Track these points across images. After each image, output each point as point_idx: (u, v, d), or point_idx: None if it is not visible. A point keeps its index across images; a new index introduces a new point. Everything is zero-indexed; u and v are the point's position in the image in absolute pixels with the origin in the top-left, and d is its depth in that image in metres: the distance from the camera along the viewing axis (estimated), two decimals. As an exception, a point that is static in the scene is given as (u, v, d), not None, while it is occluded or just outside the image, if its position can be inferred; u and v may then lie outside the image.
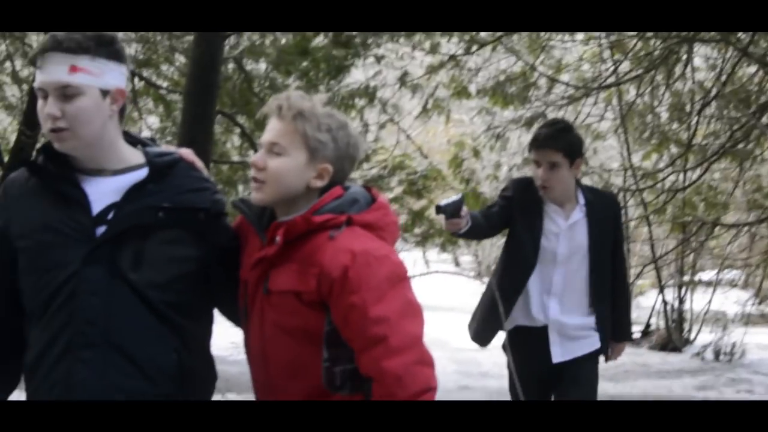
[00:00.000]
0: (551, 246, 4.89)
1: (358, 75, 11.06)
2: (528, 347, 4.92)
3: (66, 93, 2.53)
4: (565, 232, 4.90)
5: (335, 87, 10.17)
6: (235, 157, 11.83)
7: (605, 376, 11.89)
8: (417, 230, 11.77)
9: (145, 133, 11.93)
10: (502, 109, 11.75)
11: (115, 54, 2.62)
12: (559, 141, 4.75)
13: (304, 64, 9.89)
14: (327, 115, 2.73)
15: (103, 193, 2.63)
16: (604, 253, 4.95)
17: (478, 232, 4.84)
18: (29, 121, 9.45)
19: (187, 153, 2.84)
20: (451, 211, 4.45)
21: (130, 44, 12.06)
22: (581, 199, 4.94)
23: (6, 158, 10.24)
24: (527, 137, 11.68)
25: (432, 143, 17.81)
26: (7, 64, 13.50)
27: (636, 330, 15.71)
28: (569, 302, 4.92)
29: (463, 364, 12.40)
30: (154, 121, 12.22)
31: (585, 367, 4.96)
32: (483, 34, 10.54)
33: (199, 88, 6.73)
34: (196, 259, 2.69)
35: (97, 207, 2.62)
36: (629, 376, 12.35)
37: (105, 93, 2.59)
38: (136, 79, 11.78)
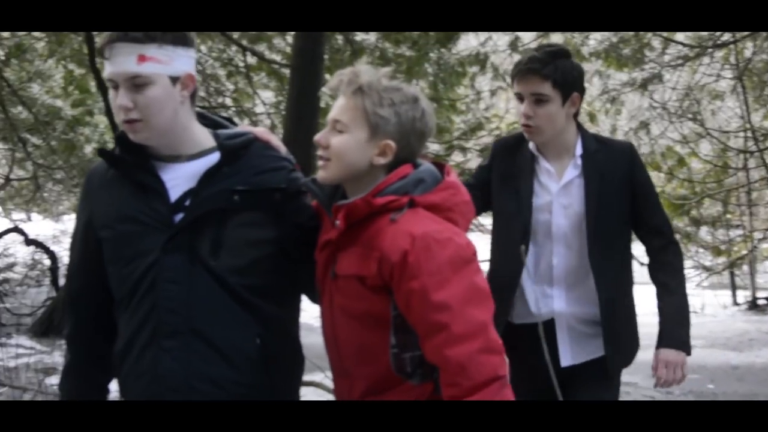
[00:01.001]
0: (544, 217, 3.76)
1: (468, 42, 10.96)
2: (525, 352, 3.75)
3: (136, 83, 2.52)
4: (558, 197, 3.75)
5: (446, 55, 10.08)
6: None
7: (728, 345, 11.66)
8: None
9: (259, 109, 12.09)
10: (616, 72, 11.49)
11: (182, 39, 2.60)
12: (548, 67, 3.60)
13: (415, 33, 9.82)
14: (391, 89, 2.63)
15: (180, 179, 2.63)
16: (610, 223, 3.72)
17: None
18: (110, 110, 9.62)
19: (262, 132, 2.81)
20: None
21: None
22: (578, 150, 3.75)
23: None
24: (643, 100, 11.50)
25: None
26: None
27: (762, 297, 15.32)
28: (578, 289, 3.77)
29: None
30: (268, 95, 12.31)
31: (596, 376, 3.77)
32: (596, -5, 10.34)
33: (304, 63, 6.71)
34: (275, 240, 2.66)
35: (174, 194, 2.62)
36: (754, 345, 12.05)
37: (175, 80, 2.58)
38: (248, 54, 11.92)
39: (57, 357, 8.92)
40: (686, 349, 3.67)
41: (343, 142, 2.61)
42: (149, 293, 2.59)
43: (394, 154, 2.65)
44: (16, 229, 11.42)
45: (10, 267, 11.50)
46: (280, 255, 2.68)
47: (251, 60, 12.20)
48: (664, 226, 3.85)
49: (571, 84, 3.64)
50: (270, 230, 2.65)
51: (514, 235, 3.73)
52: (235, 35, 11.72)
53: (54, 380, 7.99)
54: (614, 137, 3.85)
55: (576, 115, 3.78)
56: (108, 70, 2.54)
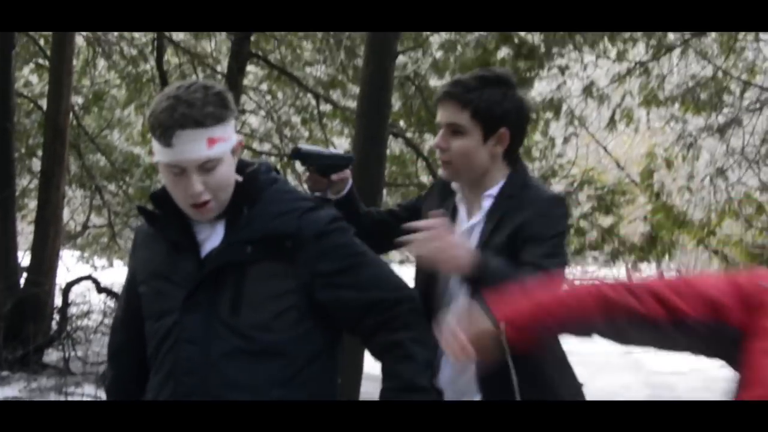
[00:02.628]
0: None
1: (541, 87, 10.89)
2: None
3: (207, 167, 2.45)
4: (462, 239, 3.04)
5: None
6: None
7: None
8: (607, 248, 11.41)
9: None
10: (693, 116, 11.30)
11: (232, 111, 2.54)
12: (470, 93, 2.94)
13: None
14: None
15: (214, 236, 2.58)
16: None
17: (362, 227, 2.96)
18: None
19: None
20: (320, 165, 3.14)
21: (317, 66, 12.31)
22: (495, 189, 3.00)
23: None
24: (721, 146, 11.28)
25: (623, 155, 17.36)
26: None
27: None
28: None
29: (656, 389, 11.87)
30: (342, 142, 12.38)
31: None
32: (671, 37, 10.23)
33: (370, 109, 6.67)
34: (296, 291, 2.52)
35: (205, 252, 2.57)
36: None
37: (234, 150, 2.54)
38: (322, 101, 11.99)
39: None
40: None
41: None
42: (170, 353, 2.54)
43: None
44: (89, 278, 11.51)
45: (85, 315, 11.60)
46: (304, 304, 2.54)
47: (325, 107, 12.27)
48: (537, 258, 2.84)
49: (498, 117, 2.93)
50: (289, 280, 2.51)
51: (420, 285, 3.11)
52: (311, 83, 11.81)
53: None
54: (554, 190, 2.98)
55: (509, 154, 3.02)
56: (172, 157, 2.44)
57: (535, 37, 9.84)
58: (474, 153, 2.95)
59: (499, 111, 2.93)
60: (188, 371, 2.50)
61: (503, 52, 10.11)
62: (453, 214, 3.06)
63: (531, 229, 2.83)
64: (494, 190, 2.98)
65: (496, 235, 2.87)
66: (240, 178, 2.60)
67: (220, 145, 2.46)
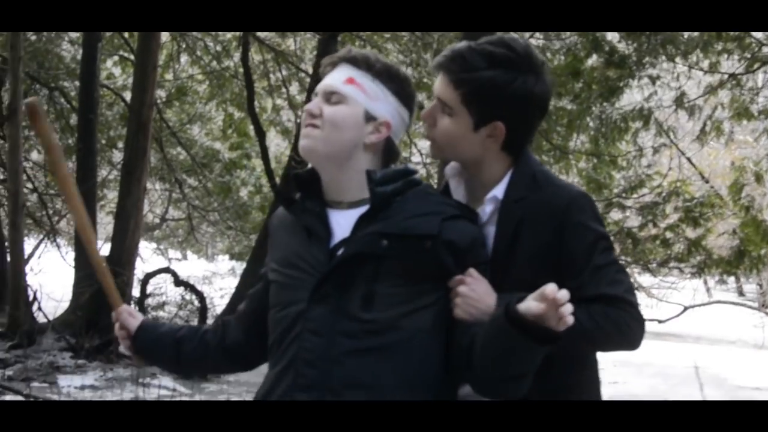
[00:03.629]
0: None
1: (632, 97, 10.70)
2: None
3: (331, 99, 2.47)
4: None
5: (608, 109, 9.85)
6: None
7: None
8: (693, 260, 11.20)
9: (416, 158, 12.05)
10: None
11: (401, 93, 2.51)
12: (467, 74, 2.49)
13: (577, 85, 9.63)
14: None
15: (341, 227, 2.50)
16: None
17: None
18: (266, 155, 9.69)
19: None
20: None
21: (402, 67, 12.27)
22: (500, 190, 2.56)
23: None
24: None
25: (712, 167, 17.05)
26: (283, 89, 14.06)
27: None
28: None
29: (740, 404, 11.60)
30: (424, 144, 12.33)
31: None
32: (765, 50, 10.00)
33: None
34: (427, 292, 2.44)
35: (334, 242, 2.49)
36: None
37: (369, 118, 2.47)
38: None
39: (198, 400, 8.94)
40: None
41: None
42: (293, 344, 2.47)
43: None
44: (167, 270, 11.57)
45: (161, 306, 11.69)
46: (437, 307, 2.44)
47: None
48: (606, 289, 2.44)
49: (493, 108, 2.51)
50: (425, 281, 2.43)
51: None
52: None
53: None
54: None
55: (509, 147, 2.58)
56: (320, 83, 2.53)
57: (626, 46, 9.68)
58: (461, 139, 2.55)
59: (496, 101, 2.49)
60: (310, 364, 2.43)
61: (593, 60, 9.96)
62: None
63: (570, 251, 2.43)
64: (498, 191, 2.56)
65: (514, 258, 2.46)
66: (373, 169, 2.50)
67: (353, 88, 2.46)
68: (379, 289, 2.41)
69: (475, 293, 2.38)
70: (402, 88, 2.52)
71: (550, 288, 2.05)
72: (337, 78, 2.48)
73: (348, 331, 2.41)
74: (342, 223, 2.49)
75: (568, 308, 2.08)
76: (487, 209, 2.55)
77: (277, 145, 16.74)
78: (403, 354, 2.41)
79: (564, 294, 2.05)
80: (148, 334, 2.77)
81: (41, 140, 2.76)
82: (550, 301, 2.06)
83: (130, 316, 2.78)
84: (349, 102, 2.46)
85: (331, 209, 2.52)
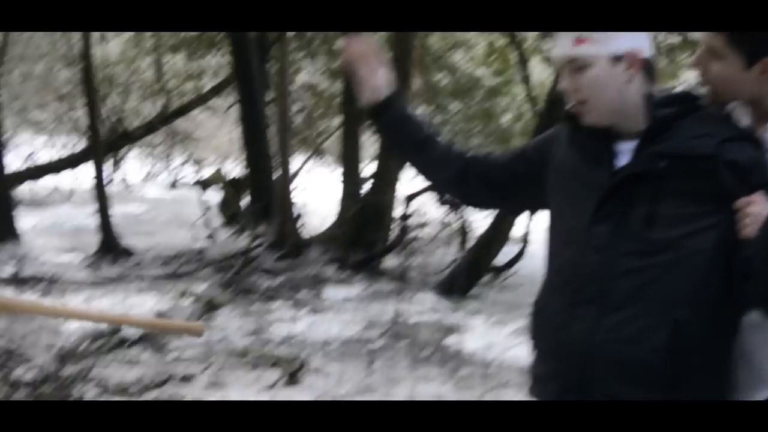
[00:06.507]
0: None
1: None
2: None
3: (575, 66, 2.47)
4: None
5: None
6: None
7: None
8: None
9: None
10: None
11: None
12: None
13: None
14: None
15: (624, 153, 2.51)
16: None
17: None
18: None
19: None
20: None
21: None
22: None
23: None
24: None
25: None
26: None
27: None
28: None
29: None
30: (691, 76, 11.92)
31: None
32: None
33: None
34: (708, 214, 2.40)
35: (619, 164, 2.50)
36: None
37: (616, 59, 2.47)
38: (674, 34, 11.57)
39: (458, 317, 9.10)
40: None
41: None
42: (572, 259, 2.52)
43: None
44: (430, 189, 11.76)
45: (422, 226, 11.88)
46: (719, 230, 2.39)
47: (673, 39, 11.87)
48: None
49: (762, 43, 2.50)
50: (706, 202, 2.40)
51: None
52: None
53: (453, 340, 8.19)
54: None
55: None
56: (554, 55, 2.59)
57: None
58: (735, 81, 2.52)
59: (763, 37, 2.49)
60: (590, 280, 2.48)
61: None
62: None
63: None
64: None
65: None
66: (651, 96, 2.51)
67: (586, 46, 2.45)
68: (661, 209, 2.42)
69: (766, 213, 2.31)
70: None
71: None
72: (565, 45, 2.49)
73: (629, 249, 2.43)
74: (625, 150, 2.51)
75: None
76: None
77: (539, 72, 16.62)
78: (683, 272, 2.40)
79: None
80: (401, 104, 2.82)
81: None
82: None
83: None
84: (590, 61, 2.47)
85: (616, 140, 2.54)
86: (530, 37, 15.12)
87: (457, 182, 2.84)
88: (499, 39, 15.82)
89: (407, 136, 2.82)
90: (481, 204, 3.13)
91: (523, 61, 12.15)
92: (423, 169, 2.91)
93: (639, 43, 2.51)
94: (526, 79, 12.30)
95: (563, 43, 2.50)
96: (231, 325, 8.13)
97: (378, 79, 2.77)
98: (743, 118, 2.58)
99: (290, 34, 12.99)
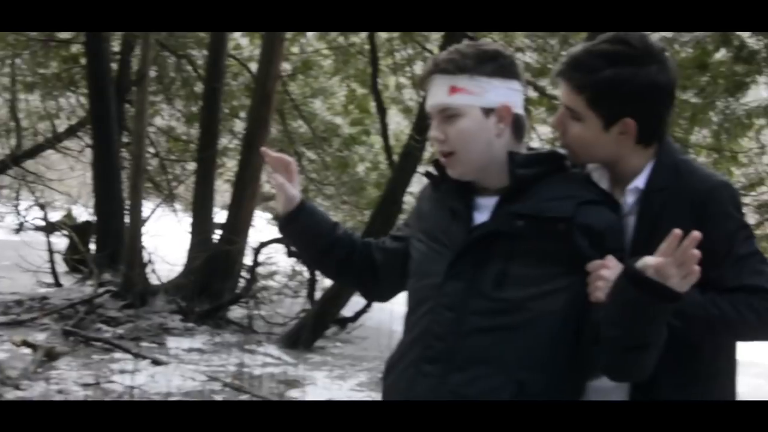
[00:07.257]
0: None
1: (757, 93, 10.40)
2: None
3: (447, 115, 2.49)
4: None
5: (733, 104, 9.61)
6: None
7: None
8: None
9: (535, 144, 11.95)
10: None
11: (499, 70, 2.50)
12: (589, 76, 2.54)
13: (703, 79, 9.41)
14: None
15: (484, 210, 2.54)
16: None
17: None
18: (419, 126, 9.71)
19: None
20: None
21: (524, 52, 12.16)
22: (641, 180, 2.59)
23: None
24: None
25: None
26: (407, 68, 14.08)
27: None
28: None
29: None
30: (544, 130, 12.23)
31: None
32: None
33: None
34: (560, 276, 2.43)
35: (477, 222, 2.54)
36: None
37: (488, 111, 2.49)
38: (530, 88, 11.82)
39: (302, 370, 9.07)
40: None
41: None
42: (426, 315, 2.54)
43: None
44: (280, 240, 11.72)
45: (270, 275, 11.85)
46: (570, 291, 2.43)
47: (531, 94, 12.10)
48: (748, 280, 2.46)
49: (620, 105, 2.53)
50: (559, 264, 2.43)
51: None
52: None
53: (295, 394, 8.11)
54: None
55: (645, 139, 2.60)
56: (426, 102, 2.57)
57: (756, 41, 9.41)
58: (594, 142, 2.57)
59: (621, 98, 2.51)
60: (439, 337, 2.49)
61: (722, 54, 9.71)
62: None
63: (711, 241, 2.29)
64: (640, 181, 2.57)
65: (654, 248, 2.23)
66: (518, 151, 2.55)
67: (461, 96, 2.48)
68: (512, 270, 2.44)
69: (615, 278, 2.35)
70: (499, 65, 2.52)
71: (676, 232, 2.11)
72: (439, 93, 2.51)
73: (478, 308, 2.45)
74: (485, 206, 2.54)
75: (695, 255, 2.10)
76: (629, 200, 2.58)
77: (398, 123, 16.76)
78: (530, 334, 2.42)
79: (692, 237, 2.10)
80: (310, 208, 2.84)
81: None
82: (672, 247, 2.11)
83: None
84: (463, 111, 2.49)
85: (477, 195, 2.57)
86: (391, 86, 15.26)
87: (366, 271, 2.87)
88: (359, 88, 15.92)
89: (317, 238, 2.84)
90: (394, 295, 3.03)
91: (382, 111, 12.26)
92: (335, 270, 2.97)
93: (512, 98, 2.52)
94: (383, 129, 12.40)
95: (437, 91, 2.51)
96: (70, 375, 7.89)
97: (293, 189, 2.76)
98: (602, 180, 2.66)
99: (151, 74, 12.86)
